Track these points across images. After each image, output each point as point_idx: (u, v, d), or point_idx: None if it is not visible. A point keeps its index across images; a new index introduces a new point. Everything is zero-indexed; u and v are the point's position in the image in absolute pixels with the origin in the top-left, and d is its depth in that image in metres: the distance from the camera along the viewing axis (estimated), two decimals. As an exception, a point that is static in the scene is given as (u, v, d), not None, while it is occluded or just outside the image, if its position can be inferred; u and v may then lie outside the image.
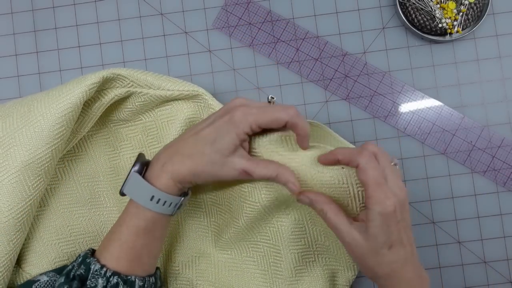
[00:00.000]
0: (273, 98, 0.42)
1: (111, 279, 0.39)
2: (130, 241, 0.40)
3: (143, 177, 0.40)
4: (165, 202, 0.40)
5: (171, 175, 0.40)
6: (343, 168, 0.39)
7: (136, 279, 0.40)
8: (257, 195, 0.43)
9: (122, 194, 0.41)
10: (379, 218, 0.36)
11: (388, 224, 0.37)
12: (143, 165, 0.41)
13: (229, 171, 0.40)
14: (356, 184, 0.39)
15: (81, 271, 0.39)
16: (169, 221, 0.43)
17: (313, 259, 0.47)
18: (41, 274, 0.42)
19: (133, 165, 0.41)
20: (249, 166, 0.40)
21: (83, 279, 0.39)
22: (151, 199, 0.39)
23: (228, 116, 0.39)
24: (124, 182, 0.40)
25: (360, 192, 0.39)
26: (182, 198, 0.41)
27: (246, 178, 0.40)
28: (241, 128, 0.39)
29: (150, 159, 0.43)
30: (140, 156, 0.42)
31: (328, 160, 0.40)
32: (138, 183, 0.40)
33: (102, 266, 0.39)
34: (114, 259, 0.40)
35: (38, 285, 0.40)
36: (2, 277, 0.41)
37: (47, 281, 0.41)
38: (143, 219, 0.40)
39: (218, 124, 0.39)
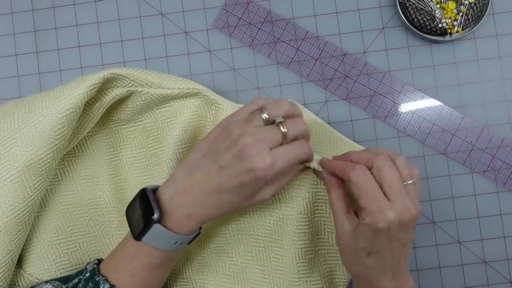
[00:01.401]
0: (281, 120, 0.38)
1: None
2: (143, 274, 0.40)
3: (161, 223, 0.38)
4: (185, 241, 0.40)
5: (199, 222, 0.39)
6: None
7: None
8: None
9: (139, 240, 0.39)
10: (367, 228, 0.36)
11: (375, 236, 0.36)
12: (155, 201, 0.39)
13: (259, 202, 0.40)
14: None
15: None
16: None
17: (314, 255, 0.47)
18: (45, 283, 0.41)
19: (146, 212, 0.38)
20: (276, 190, 0.39)
21: None
22: (175, 244, 0.39)
23: (246, 164, 0.36)
24: (142, 231, 0.38)
25: None
26: (200, 231, 0.41)
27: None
28: (264, 176, 0.36)
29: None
30: (146, 195, 0.39)
31: (326, 170, 0.41)
32: (161, 233, 0.38)
33: (112, 286, 0.39)
34: (124, 287, 0.39)
35: None
36: (3, 277, 0.42)
37: None
38: (160, 257, 0.40)
39: (235, 172, 0.37)
